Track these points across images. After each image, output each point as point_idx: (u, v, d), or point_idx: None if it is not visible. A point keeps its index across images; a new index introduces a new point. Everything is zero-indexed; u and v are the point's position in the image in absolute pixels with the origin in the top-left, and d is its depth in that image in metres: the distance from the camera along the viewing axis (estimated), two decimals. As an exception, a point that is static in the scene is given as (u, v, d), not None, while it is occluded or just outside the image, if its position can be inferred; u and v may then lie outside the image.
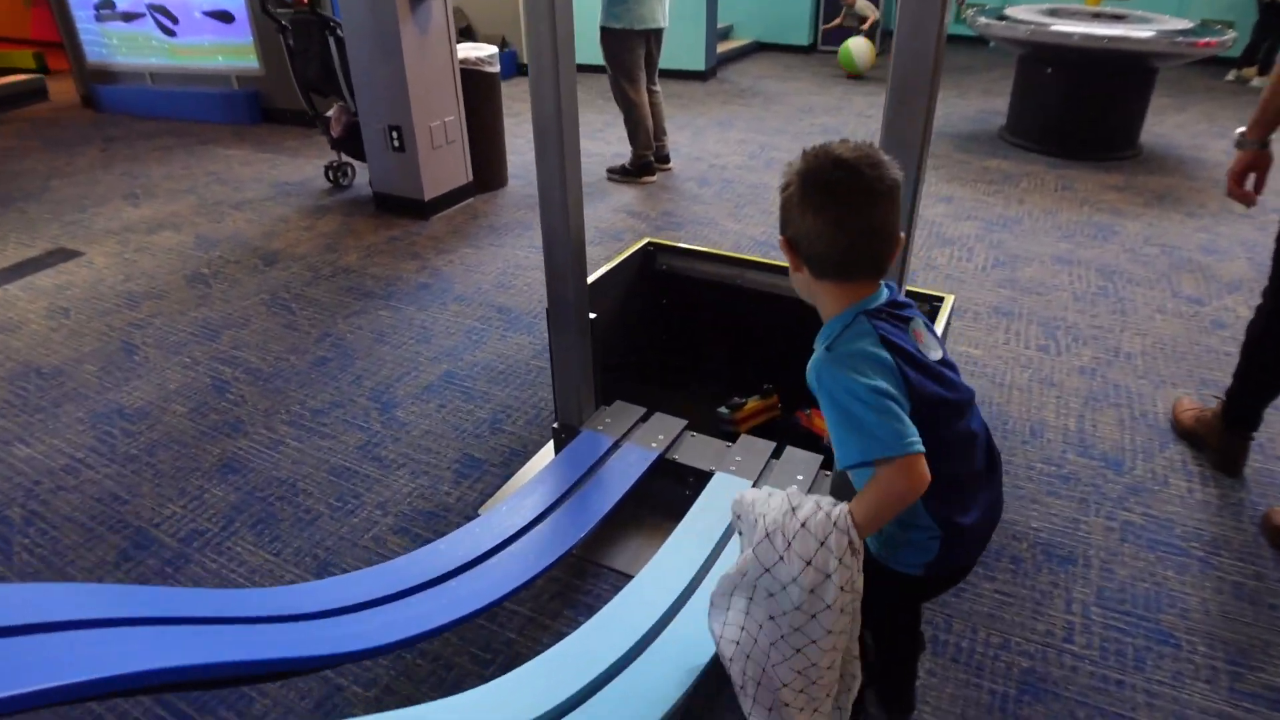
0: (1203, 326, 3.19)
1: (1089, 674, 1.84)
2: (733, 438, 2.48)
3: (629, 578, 2.04)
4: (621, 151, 5.18)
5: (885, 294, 1.24)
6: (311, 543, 2.21)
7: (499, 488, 2.38)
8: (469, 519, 2.27)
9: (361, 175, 4.82)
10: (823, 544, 1.15)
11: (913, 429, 1.11)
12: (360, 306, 3.45)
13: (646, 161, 4.90)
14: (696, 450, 2.25)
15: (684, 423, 2.35)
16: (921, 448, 1.10)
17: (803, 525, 1.17)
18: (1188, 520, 2.25)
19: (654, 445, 2.25)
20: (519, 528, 1.97)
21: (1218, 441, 2.43)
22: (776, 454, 2.22)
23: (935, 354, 1.24)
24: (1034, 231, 4.07)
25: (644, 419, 2.39)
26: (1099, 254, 3.82)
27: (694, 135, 5.94)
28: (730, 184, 4.88)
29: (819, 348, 1.22)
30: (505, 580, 1.79)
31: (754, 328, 2.73)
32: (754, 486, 2.05)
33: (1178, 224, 4.14)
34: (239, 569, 2.13)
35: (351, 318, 3.35)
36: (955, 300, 2.32)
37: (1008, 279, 3.60)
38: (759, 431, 2.44)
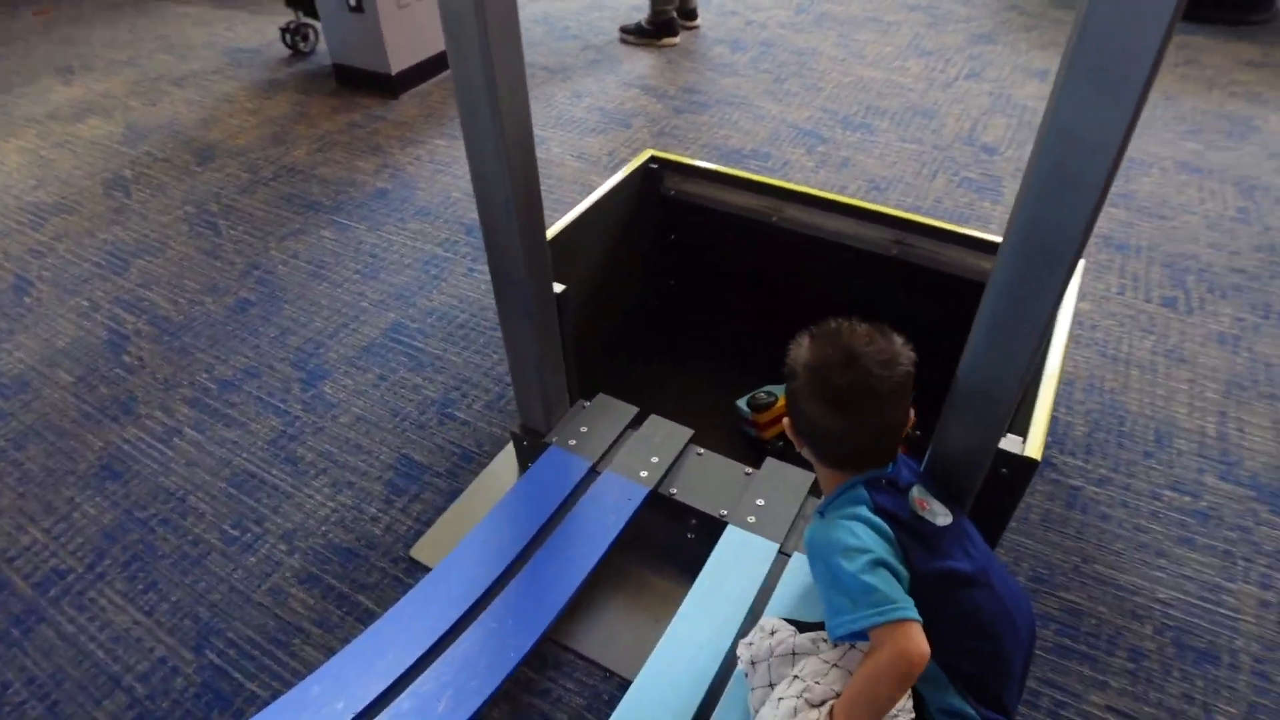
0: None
1: None
2: (757, 449, 1.87)
3: (605, 671, 1.51)
4: (639, 4, 4.26)
5: (889, 470, 1.15)
6: (194, 595, 1.68)
7: (440, 513, 1.81)
8: (397, 562, 1.72)
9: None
10: None
11: (904, 597, 1.01)
12: (300, 224, 2.78)
13: (668, 18, 4.01)
14: (704, 479, 1.65)
15: (689, 433, 1.74)
16: (915, 615, 0.99)
17: None
18: (1375, 592, 1.63)
19: (644, 474, 1.65)
20: (470, 604, 1.42)
21: None
22: (816, 490, 1.62)
23: (944, 520, 1.13)
24: (1151, 124, 3.20)
25: (635, 423, 1.78)
26: (1235, 159, 2.98)
27: (728, -20, 4.93)
28: (770, 48, 3.99)
29: (814, 514, 1.18)
30: (460, 704, 1.25)
31: (793, 286, 2.05)
32: (781, 550, 1.48)
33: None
34: (100, 635, 1.62)
35: (287, 241, 2.70)
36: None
37: (1120, 192, 2.81)
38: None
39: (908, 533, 1.09)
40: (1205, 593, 1.64)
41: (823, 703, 1.06)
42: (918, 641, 0.98)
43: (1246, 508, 1.79)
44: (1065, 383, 2.09)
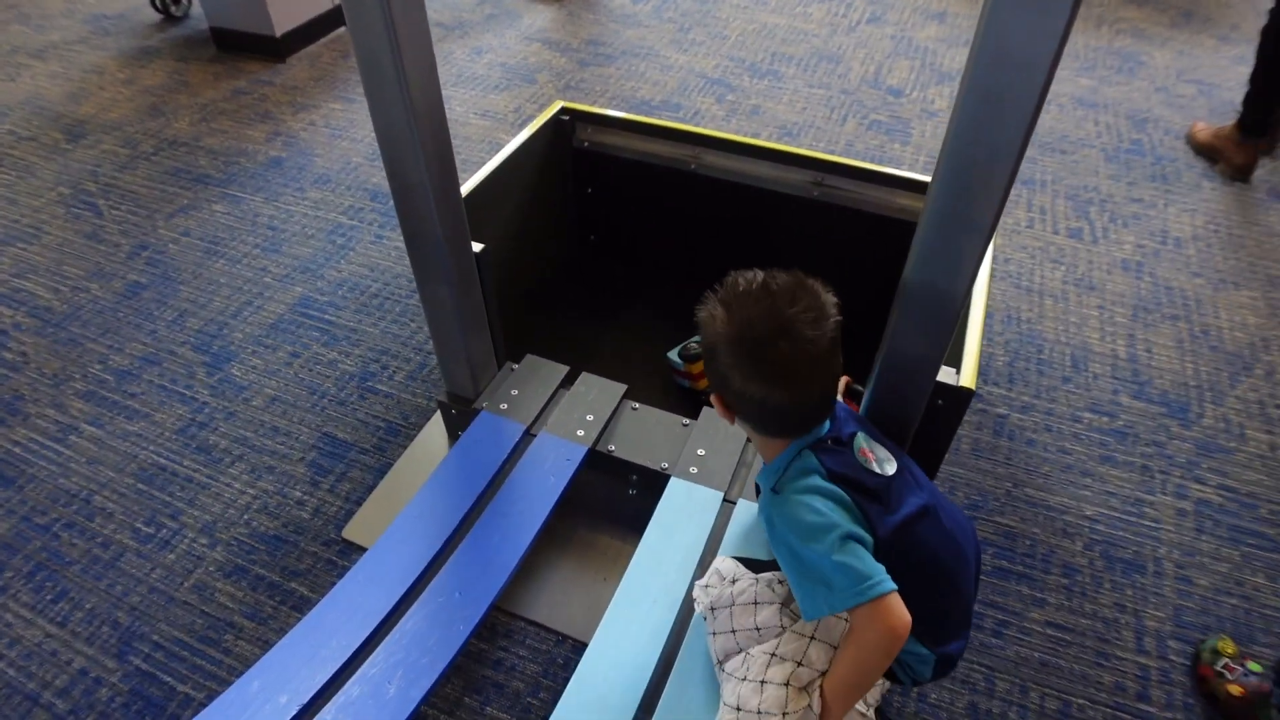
0: (1259, 198, 2.56)
1: (1176, 751, 1.36)
2: (693, 399, 1.85)
3: (557, 635, 1.48)
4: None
5: (827, 426, 1.08)
6: (111, 599, 1.57)
7: (370, 490, 1.73)
8: (329, 545, 1.64)
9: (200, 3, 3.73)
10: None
11: (878, 568, 0.96)
12: (189, 199, 2.60)
13: (565, -29, 3.89)
14: (642, 434, 1.62)
15: (622, 388, 1.71)
16: (891, 586, 0.94)
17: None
18: (1274, 494, 1.74)
19: (581, 433, 1.61)
20: (412, 580, 1.35)
21: (1234, 151, 2.60)
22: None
23: (890, 467, 1.08)
24: (1045, 59, 3.29)
25: (566, 382, 1.74)
26: (1126, 93, 3.09)
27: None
28: (671, -1, 3.93)
29: (764, 488, 1.11)
30: (412, 682, 1.19)
31: (715, 234, 2.03)
32: (726, 497, 1.47)
33: (1211, 52, 3.38)
34: (9, 652, 1.49)
35: (176, 218, 2.52)
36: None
37: (1020, 130, 2.87)
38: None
39: (864, 494, 1.03)
40: (1128, 507, 1.71)
41: (810, 683, 1.04)
42: (899, 613, 0.94)
43: (1159, 424, 1.87)
44: (984, 315, 2.14)
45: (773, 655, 1.06)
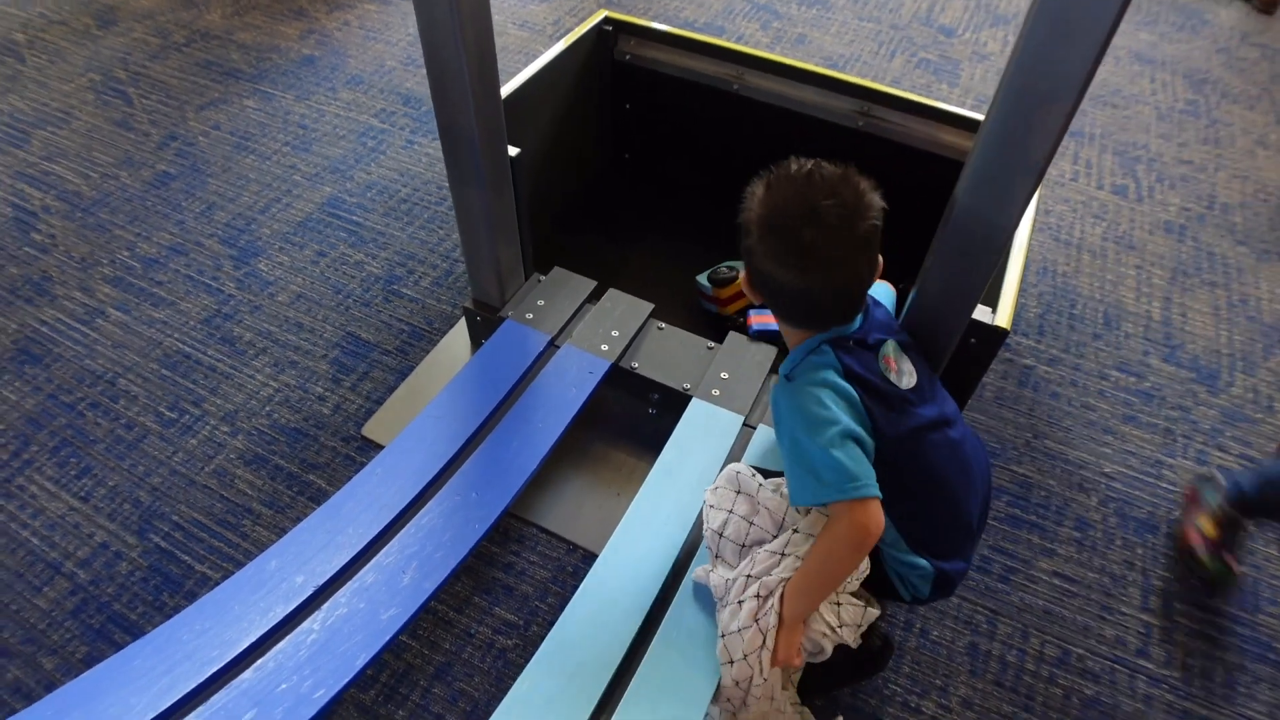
0: (1315, 166, 2.48)
1: (1166, 707, 1.38)
2: (719, 325, 1.84)
3: (568, 544, 1.50)
4: None
5: (857, 324, 1.09)
6: (133, 479, 1.59)
7: (391, 391, 1.74)
8: (348, 441, 1.66)
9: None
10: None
11: (868, 472, 0.99)
12: (220, 93, 2.56)
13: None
14: (666, 353, 1.62)
15: (649, 306, 1.70)
16: (874, 492, 0.98)
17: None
18: (1299, 465, 1.72)
19: (605, 347, 1.60)
20: (430, 478, 1.37)
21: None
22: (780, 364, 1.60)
23: (909, 379, 1.09)
24: (1105, 10, 3.16)
25: (592, 297, 1.72)
26: (1186, 51, 2.97)
27: None
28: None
29: (780, 375, 1.13)
30: (426, 575, 1.21)
31: (753, 158, 1.97)
32: (747, 421, 1.47)
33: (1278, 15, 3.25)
34: (34, 522, 1.53)
35: (206, 111, 2.49)
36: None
37: (1072, 81, 2.78)
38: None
39: (874, 397, 1.04)
40: (1147, 468, 1.70)
41: (772, 592, 1.07)
42: (874, 515, 0.98)
43: (1187, 389, 1.85)
44: (1025, 260, 2.10)
45: (749, 576, 1.10)
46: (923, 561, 1.10)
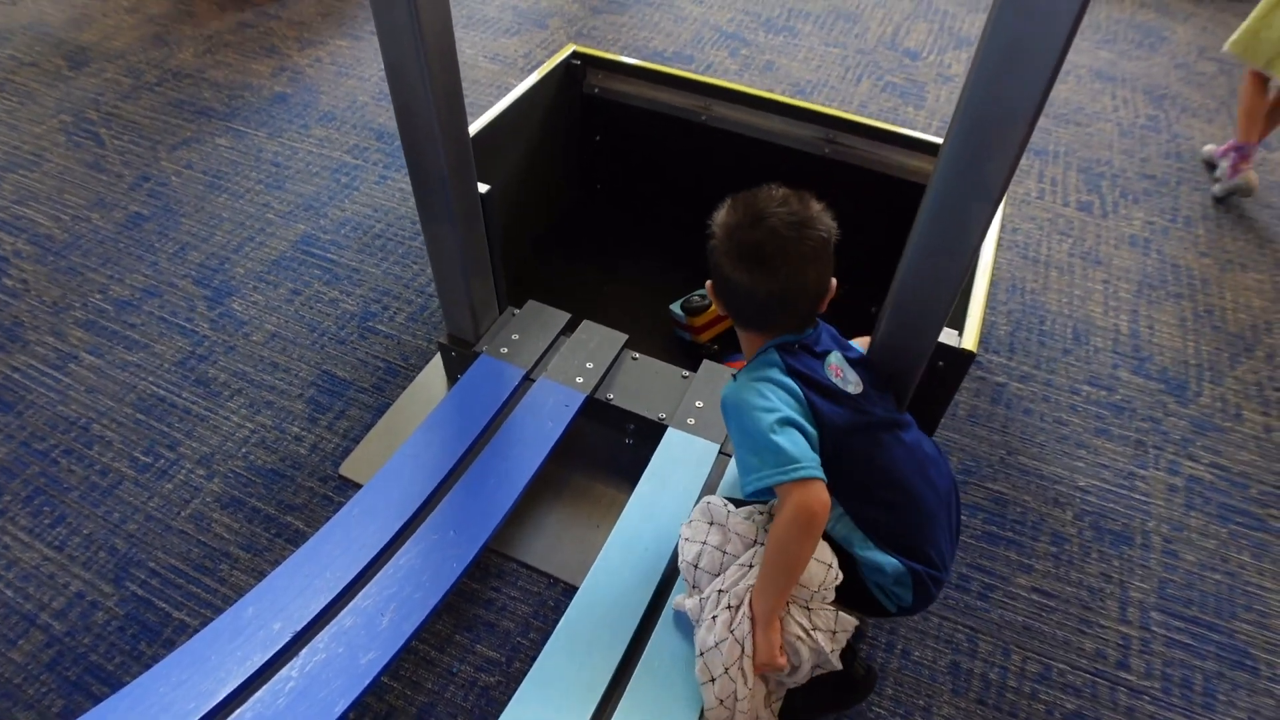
0: (1274, 181, 2.54)
1: (1148, 718, 1.39)
2: (693, 353, 1.85)
3: (549, 578, 1.50)
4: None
5: (808, 334, 1.17)
6: (108, 526, 1.58)
7: (368, 429, 1.74)
8: (325, 480, 1.65)
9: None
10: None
11: (808, 455, 1.04)
12: (192, 132, 2.57)
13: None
14: (641, 383, 1.62)
15: (623, 337, 1.70)
16: (817, 473, 1.03)
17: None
18: (1266, 475, 1.75)
19: (580, 380, 1.61)
20: (407, 517, 1.36)
21: None
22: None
23: (854, 388, 1.16)
24: (1065, 29, 3.24)
25: (567, 330, 1.73)
26: (1145, 69, 3.04)
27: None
28: (688, -50, 3.84)
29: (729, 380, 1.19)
30: (405, 616, 1.21)
31: (722, 187, 2.00)
32: (723, 450, 1.48)
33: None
34: (8, 573, 1.51)
35: (179, 150, 2.49)
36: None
37: (1035, 99, 2.84)
38: (729, 342, 1.82)
39: (817, 391, 1.11)
40: (1120, 480, 1.72)
41: (743, 601, 1.09)
42: (817, 493, 1.02)
43: (1156, 400, 1.88)
44: (990, 281, 2.13)
45: (720, 591, 1.11)
46: (893, 560, 1.11)
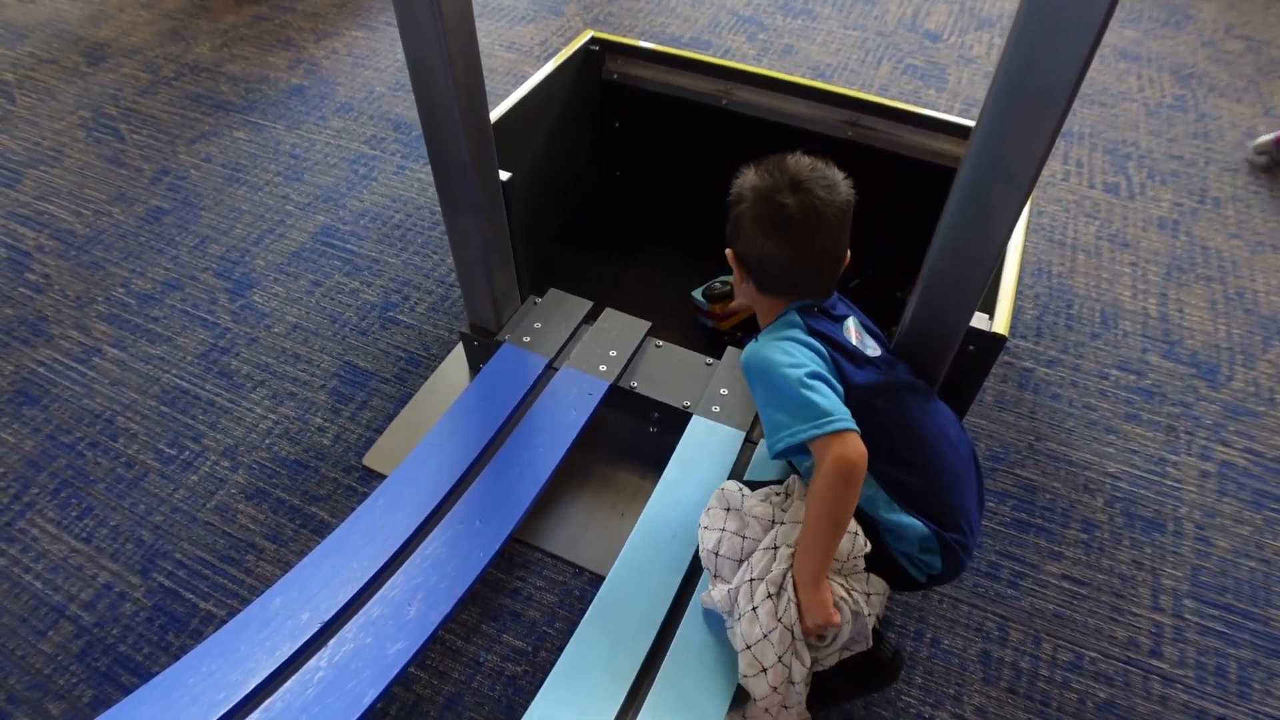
0: (1306, 155, 2.49)
1: (1181, 707, 1.37)
2: (716, 340, 1.84)
3: (574, 568, 1.49)
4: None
5: (825, 301, 1.19)
6: (134, 517, 1.59)
7: (391, 420, 1.74)
8: (349, 471, 1.65)
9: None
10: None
11: (840, 407, 1.03)
12: (211, 125, 2.57)
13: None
14: (665, 371, 1.61)
15: (646, 325, 1.69)
16: (851, 424, 1.02)
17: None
18: (1304, 457, 1.72)
19: (604, 368, 1.60)
20: (432, 507, 1.36)
21: None
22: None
23: (873, 351, 1.17)
24: (1089, 9, 3.18)
25: (589, 318, 1.72)
26: (1171, 47, 2.99)
27: None
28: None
29: (750, 344, 1.18)
30: (432, 605, 1.20)
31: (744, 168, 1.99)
32: (748, 437, 1.46)
33: (1262, 8, 3.26)
34: (36, 565, 1.52)
35: (198, 144, 2.50)
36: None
37: (1059, 80, 2.79)
38: (751, 330, 1.80)
39: (839, 351, 1.12)
40: (1151, 465, 1.69)
41: (782, 585, 1.06)
42: (854, 444, 1.01)
43: (1187, 384, 1.85)
44: (1020, 264, 2.10)
45: (751, 580, 1.09)
46: (917, 523, 1.10)
